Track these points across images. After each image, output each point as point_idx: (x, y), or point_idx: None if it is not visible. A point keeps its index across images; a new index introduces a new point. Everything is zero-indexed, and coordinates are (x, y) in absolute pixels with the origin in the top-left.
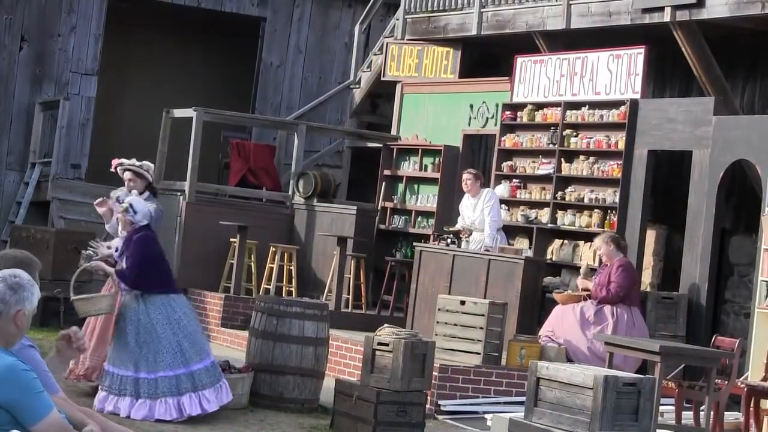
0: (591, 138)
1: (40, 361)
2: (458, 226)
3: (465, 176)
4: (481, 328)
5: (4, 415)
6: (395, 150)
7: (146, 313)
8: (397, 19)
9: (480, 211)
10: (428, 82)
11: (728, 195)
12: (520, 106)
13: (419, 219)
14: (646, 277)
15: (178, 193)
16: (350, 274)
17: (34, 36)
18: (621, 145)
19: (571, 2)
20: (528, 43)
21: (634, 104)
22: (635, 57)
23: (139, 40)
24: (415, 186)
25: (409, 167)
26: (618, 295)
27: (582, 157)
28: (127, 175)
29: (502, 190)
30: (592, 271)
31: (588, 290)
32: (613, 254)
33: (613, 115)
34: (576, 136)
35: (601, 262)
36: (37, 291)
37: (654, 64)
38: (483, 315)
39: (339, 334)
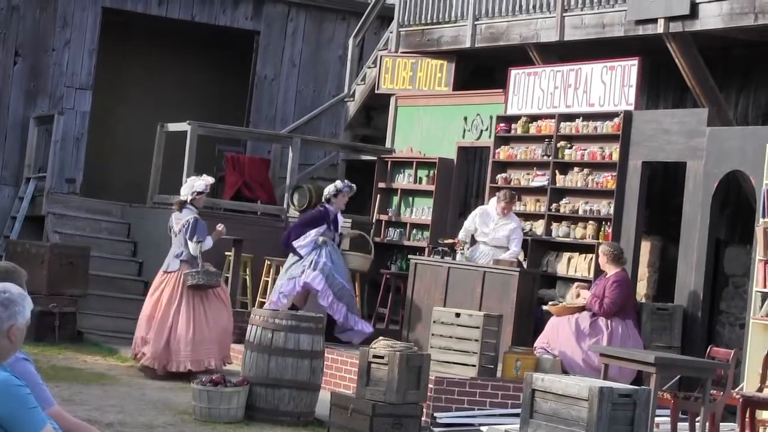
0: (585, 150)
1: (35, 374)
2: (460, 237)
3: (503, 202)
4: (477, 340)
5: None
6: (390, 163)
7: None
8: (391, 32)
9: (499, 229)
10: (422, 94)
11: (723, 206)
12: (514, 118)
13: (414, 231)
14: (642, 289)
15: (173, 207)
16: None
17: (28, 50)
18: (615, 157)
19: (564, 14)
20: (522, 55)
21: (628, 116)
22: (629, 69)
23: (133, 54)
24: (410, 198)
25: (403, 180)
26: (610, 311)
27: (576, 169)
28: None
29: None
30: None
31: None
32: (608, 266)
33: (607, 127)
34: (570, 147)
35: (597, 273)
36: (29, 302)
37: (648, 75)
38: (478, 327)
39: (334, 346)
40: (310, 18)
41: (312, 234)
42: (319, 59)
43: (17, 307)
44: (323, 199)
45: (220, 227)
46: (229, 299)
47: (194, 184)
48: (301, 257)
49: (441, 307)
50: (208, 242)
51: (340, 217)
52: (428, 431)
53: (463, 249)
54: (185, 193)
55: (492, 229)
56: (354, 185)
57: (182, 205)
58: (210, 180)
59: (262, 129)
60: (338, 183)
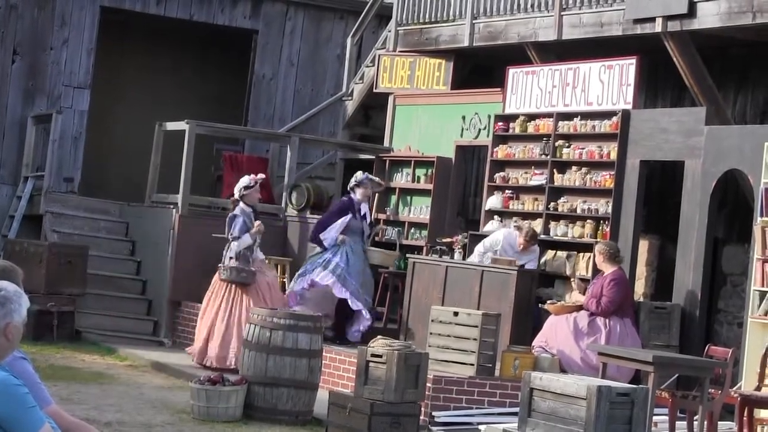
0: (583, 148)
1: (33, 373)
2: (477, 249)
3: (523, 239)
4: (475, 339)
5: None
6: (388, 162)
7: None
8: (389, 31)
9: (519, 258)
10: (420, 93)
11: (721, 204)
12: (513, 117)
13: (412, 230)
14: (640, 287)
15: (171, 206)
16: None
17: (27, 49)
18: (613, 156)
19: (562, 13)
20: (520, 54)
21: (626, 114)
22: (627, 67)
23: (131, 53)
24: (408, 197)
25: (401, 179)
26: (608, 310)
27: (574, 168)
28: None
29: (495, 201)
30: (584, 281)
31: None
32: (605, 265)
33: (605, 126)
34: (568, 146)
35: (595, 271)
36: (25, 300)
37: (646, 74)
38: (476, 326)
39: (332, 345)
40: (308, 17)
41: (337, 225)
42: (317, 58)
43: (13, 305)
44: (348, 188)
45: (257, 224)
46: (276, 297)
47: (241, 180)
48: (325, 248)
49: (439, 306)
50: (245, 239)
51: (364, 206)
52: (426, 430)
53: (460, 248)
54: (236, 191)
55: (511, 256)
56: (376, 179)
57: (236, 203)
58: (259, 176)
59: (260, 128)
60: (358, 174)
